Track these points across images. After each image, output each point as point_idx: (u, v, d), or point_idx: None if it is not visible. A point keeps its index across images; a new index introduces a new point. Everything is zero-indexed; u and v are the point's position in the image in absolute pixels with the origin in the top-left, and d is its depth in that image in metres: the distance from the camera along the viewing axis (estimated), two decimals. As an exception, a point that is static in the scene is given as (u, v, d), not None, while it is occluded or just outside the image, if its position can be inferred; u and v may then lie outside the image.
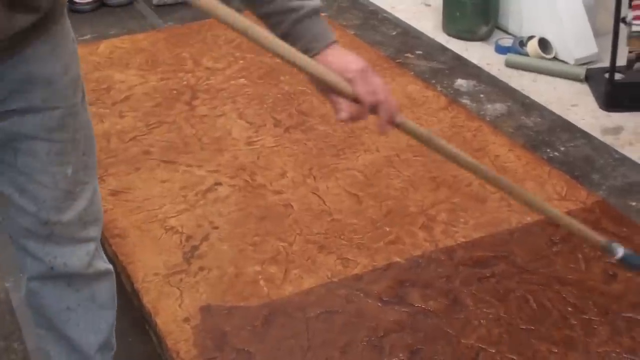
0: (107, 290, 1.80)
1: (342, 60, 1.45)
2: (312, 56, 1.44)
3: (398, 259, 2.20)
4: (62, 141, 1.57)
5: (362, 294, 2.08)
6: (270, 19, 1.46)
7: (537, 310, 2.00)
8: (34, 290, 1.72)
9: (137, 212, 2.43)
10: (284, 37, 1.43)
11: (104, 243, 2.38)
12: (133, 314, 2.19)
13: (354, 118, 1.46)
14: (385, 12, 4.13)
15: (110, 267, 1.81)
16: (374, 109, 1.46)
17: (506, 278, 2.11)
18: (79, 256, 1.68)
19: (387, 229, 2.32)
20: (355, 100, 1.44)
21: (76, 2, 4.18)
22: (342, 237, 2.30)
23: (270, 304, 2.07)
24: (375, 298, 2.07)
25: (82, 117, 1.61)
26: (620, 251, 1.76)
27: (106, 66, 3.35)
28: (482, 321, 1.98)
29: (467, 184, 2.51)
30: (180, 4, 4.20)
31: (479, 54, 3.68)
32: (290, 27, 1.44)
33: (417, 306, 2.03)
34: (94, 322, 1.79)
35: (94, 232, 1.71)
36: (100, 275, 1.76)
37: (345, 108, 1.45)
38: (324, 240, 2.29)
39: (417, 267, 2.17)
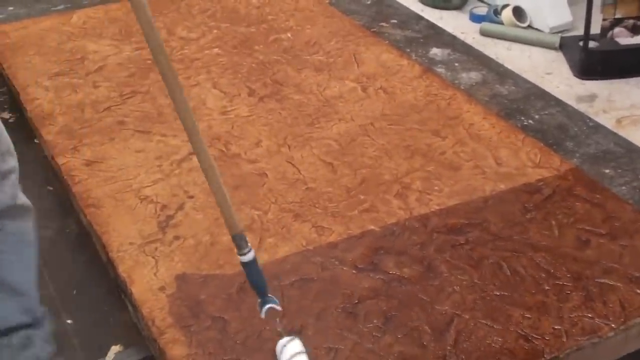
0: (32, 227, 1.85)
1: None
2: None
3: (373, 227, 2.21)
4: None
5: (336, 262, 2.09)
6: None
7: (510, 277, 2.02)
8: None
9: (112, 182, 2.42)
10: None
11: (79, 213, 2.38)
12: (108, 284, 2.19)
13: None
14: (361, -19, 4.11)
15: (30, 203, 1.85)
16: None
17: (480, 245, 2.13)
18: (4, 191, 1.73)
19: (362, 197, 2.33)
20: None
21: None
22: (316, 205, 2.31)
23: (246, 273, 2.07)
24: (350, 265, 2.08)
25: None
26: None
27: (79, 36, 3.32)
28: (456, 288, 1.99)
29: (441, 152, 2.52)
30: (153, -27, 4.16)
31: (453, 22, 3.68)
32: None
33: (392, 273, 2.05)
34: (25, 260, 1.82)
35: (12, 161, 1.76)
36: (26, 210, 1.80)
37: None
38: (299, 208, 2.30)
39: (392, 234, 2.18)
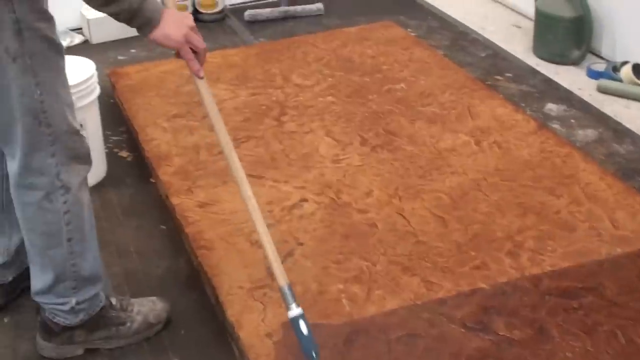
0: None
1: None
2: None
3: (483, 285, 2.18)
4: None
5: (445, 319, 2.06)
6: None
7: (625, 346, 1.95)
8: None
9: (224, 224, 2.46)
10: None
11: (191, 254, 2.42)
12: (216, 325, 2.21)
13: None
14: (475, 33, 4.10)
15: None
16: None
17: (594, 310, 2.06)
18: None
19: (473, 254, 2.30)
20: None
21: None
22: (426, 259, 2.29)
23: (352, 323, 2.06)
24: (458, 323, 2.04)
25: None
26: None
27: (197, 79, 3.39)
28: (568, 354, 1.94)
29: (555, 211, 2.46)
30: (271, 21, 4.25)
31: (570, 78, 3.62)
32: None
33: (502, 334, 2.00)
34: None
35: None
36: None
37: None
38: (408, 261, 2.28)
39: (503, 294, 2.14)
